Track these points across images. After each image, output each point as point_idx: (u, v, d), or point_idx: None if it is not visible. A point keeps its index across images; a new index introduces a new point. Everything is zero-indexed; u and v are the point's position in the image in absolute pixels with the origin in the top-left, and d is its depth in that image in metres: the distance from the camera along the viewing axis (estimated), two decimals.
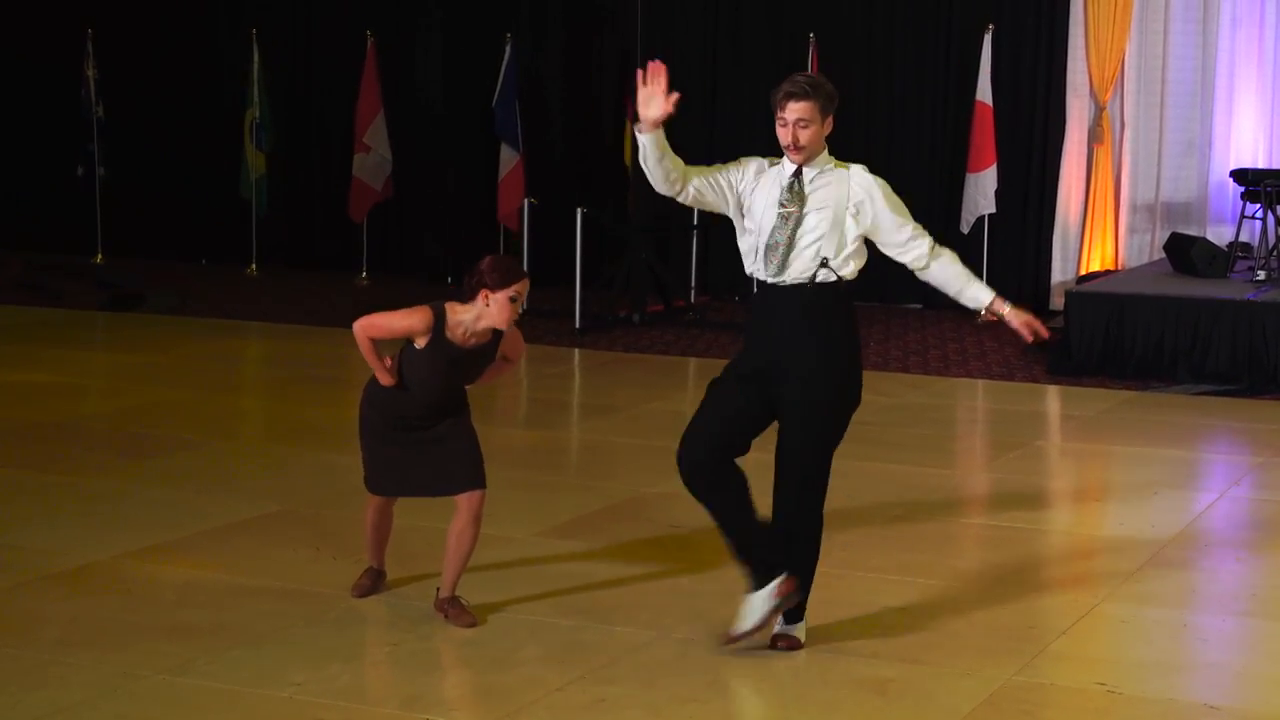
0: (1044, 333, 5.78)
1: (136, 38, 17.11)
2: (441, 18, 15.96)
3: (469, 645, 5.64)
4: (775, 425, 5.55)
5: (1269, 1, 13.51)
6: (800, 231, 5.45)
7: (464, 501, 5.79)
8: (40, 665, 5.36)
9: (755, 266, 5.55)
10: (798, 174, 5.50)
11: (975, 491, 8.20)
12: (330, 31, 16.45)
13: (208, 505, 7.43)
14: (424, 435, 5.83)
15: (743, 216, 5.58)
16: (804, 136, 5.43)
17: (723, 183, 5.59)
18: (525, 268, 5.72)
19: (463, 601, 5.84)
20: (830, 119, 5.48)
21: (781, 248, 5.46)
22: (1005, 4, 14.01)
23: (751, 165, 5.63)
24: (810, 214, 5.46)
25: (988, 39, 13.54)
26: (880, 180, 5.59)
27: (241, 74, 16.16)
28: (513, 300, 5.64)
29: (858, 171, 5.58)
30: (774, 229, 5.47)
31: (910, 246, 5.65)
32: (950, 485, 8.20)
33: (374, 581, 6.16)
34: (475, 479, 5.80)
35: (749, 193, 5.58)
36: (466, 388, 5.92)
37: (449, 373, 5.78)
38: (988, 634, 5.80)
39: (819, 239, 5.46)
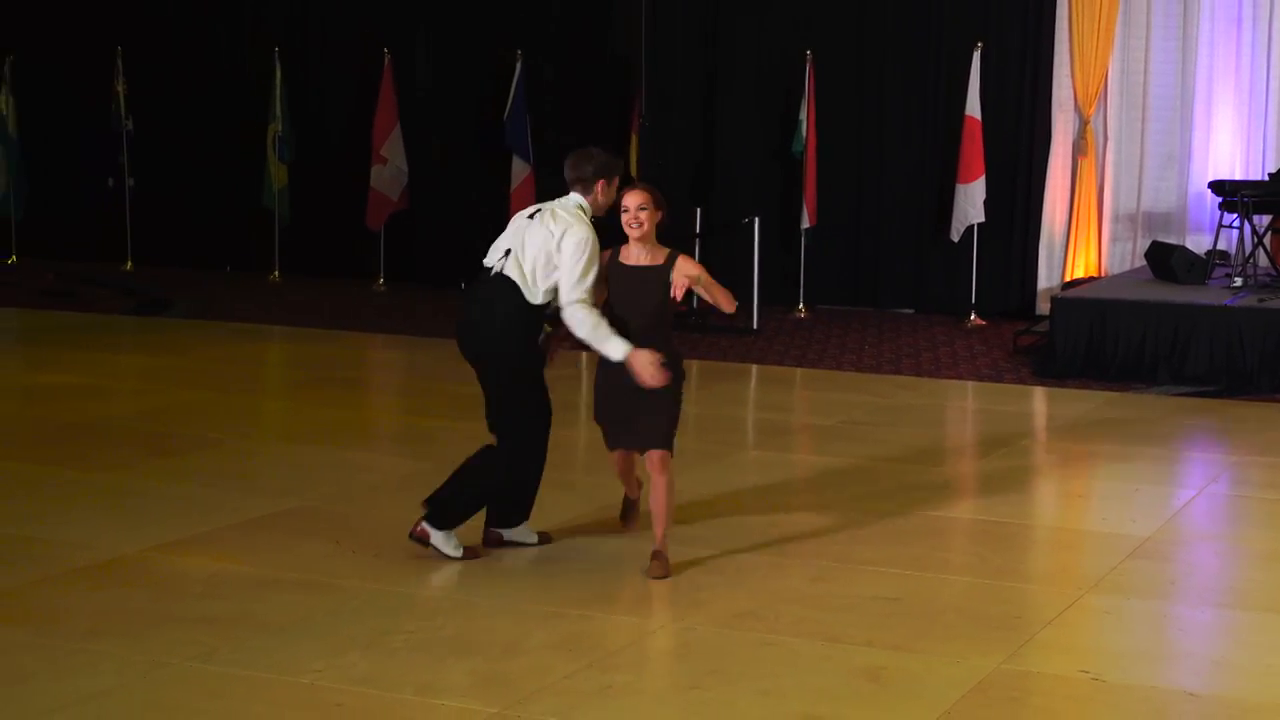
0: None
1: (164, 55, 17.13)
2: (455, 35, 15.97)
3: (481, 634, 5.64)
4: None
5: (1245, 21, 13.51)
6: None
7: (646, 460, 6.32)
8: (71, 654, 5.37)
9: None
10: None
11: (964, 488, 8.19)
12: (349, 49, 16.46)
13: (232, 501, 7.43)
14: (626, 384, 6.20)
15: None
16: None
17: None
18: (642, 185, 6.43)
19: (664, 555, 6.31)
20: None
21: None
22: (993, 23, 14.01)
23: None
24: None
25: (976, 56, 13.53)
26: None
27: (264, 89, 16.19)
28: (624, 212, 6.22)
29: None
30: None
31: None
32: (940, 482, 8.18)
33: (630, 511, 6.85)
34: (654, 439, 6.26)
35: None
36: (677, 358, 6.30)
37: (626, 288, 6.24)
38: (976, 624, 5.80)
39: None
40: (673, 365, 6.26)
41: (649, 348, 6.17)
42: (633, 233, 6.22)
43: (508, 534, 6.67)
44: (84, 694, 5.01)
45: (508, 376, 6.39)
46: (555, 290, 6.27)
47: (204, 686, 5.10)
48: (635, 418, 6.28)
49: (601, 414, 6.44)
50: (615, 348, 6.17)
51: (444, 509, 6.43)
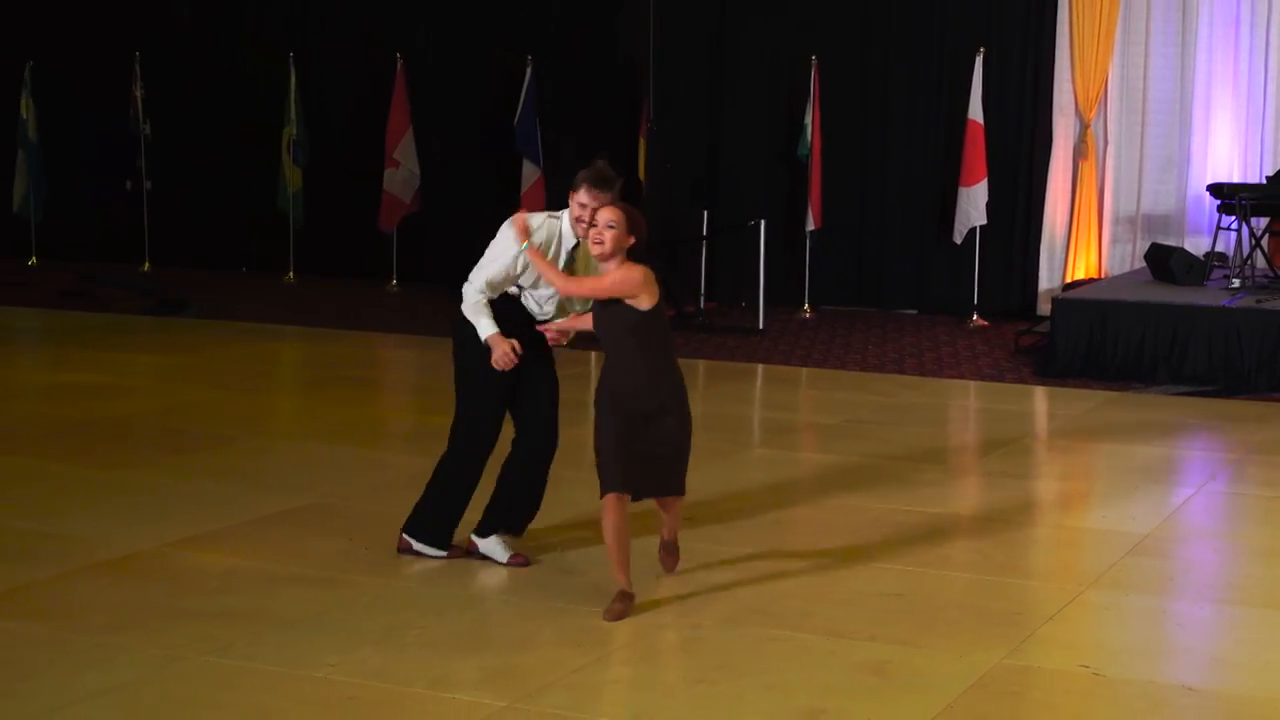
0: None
1: (181, 60, 17.16)
2: (467, 40, 15.97)
3: (491, 629, 5.65)
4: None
5: (1243, 26, 13.50)
6: None
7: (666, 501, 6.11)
8: (89, 648, 5.37)
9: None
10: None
11: (966, 486, 8.19)
12: (362, 54, 16.47)
13: (246, 498, 7.43)
14: (643, 421, 5.82)
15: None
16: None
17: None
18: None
19: (674, 546, 6.26)
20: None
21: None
22: (995, 28, 14.00)
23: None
24: None
25: (979, 61, 13.52)
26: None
27: (278, 94, 16.20)
28: (592, 227, 5.80)
29: None
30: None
31: None
32: (943, 480, 8.18)
33: (627, 604, 5.77)
34: (679, 485, 6.00)
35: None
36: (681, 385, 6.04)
37: (598, 313, 5.89)
38: (978, 619, 5.79)
39: None
40: (682, 406, 5.98)
41: (657, 386, 5.88)
42: (593, 249, 5.77)
43: (482, 546, 6.43)
44: (100, 688, 5.01)
45: (458, 371, 6.36)
46: (511, 283, 6.23)
47: (219, 680, 5.10)
48: (653, 460, 5.86)
49: (615, 453, 5.79)
50: (483, 327, 6.16)
51: (414, 515, 6.45)
